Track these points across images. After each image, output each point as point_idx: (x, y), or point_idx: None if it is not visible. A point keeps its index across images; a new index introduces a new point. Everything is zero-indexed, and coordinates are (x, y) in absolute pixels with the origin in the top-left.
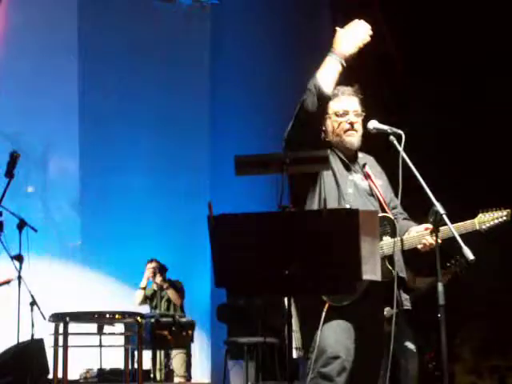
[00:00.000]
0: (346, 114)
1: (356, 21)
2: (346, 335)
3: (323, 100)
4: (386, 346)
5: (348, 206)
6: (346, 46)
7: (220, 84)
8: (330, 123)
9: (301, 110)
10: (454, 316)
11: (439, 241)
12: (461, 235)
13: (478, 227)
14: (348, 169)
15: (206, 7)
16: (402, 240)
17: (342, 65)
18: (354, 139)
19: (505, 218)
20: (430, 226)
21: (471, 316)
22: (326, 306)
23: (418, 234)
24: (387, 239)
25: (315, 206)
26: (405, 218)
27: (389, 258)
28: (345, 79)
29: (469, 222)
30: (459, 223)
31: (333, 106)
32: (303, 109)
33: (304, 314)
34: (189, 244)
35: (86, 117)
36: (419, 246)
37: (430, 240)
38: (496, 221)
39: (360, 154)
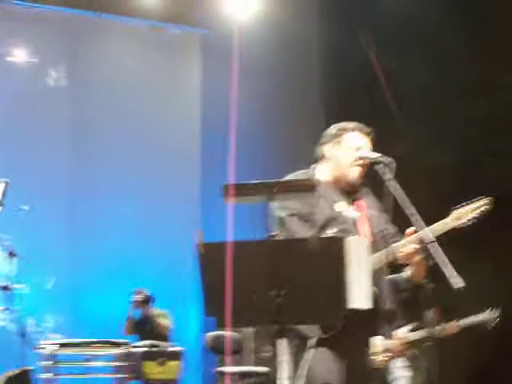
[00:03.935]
0: (358, 150)
1: None
2: (336, 363)
3: None
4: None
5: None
6: None
7: (211, 111)
8: (344, 154)
9: None
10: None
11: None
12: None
13: (452, 225)
14: (339, 201)
15: (195, 36)
16: (385, 253)
17: None
18: (359, 175)
19: (485, 206)
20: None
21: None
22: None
23: (398, 244)
24: None
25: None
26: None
27: None
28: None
29: (441, 222)
30: (433, 225)
31: (350, 139)
32: None
33: (295, 343)
34: (180, 272)
35: (77, 144)
36: (399, 255)
37: (407, 249)
38: (474, 212)
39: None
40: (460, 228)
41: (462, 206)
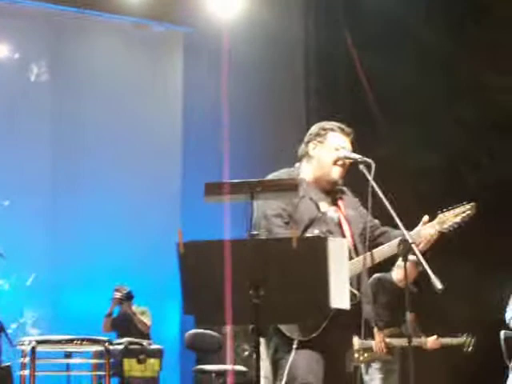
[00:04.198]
0: (339, 150)
1: None
2: (316, 364)
3: None
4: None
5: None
6: None
7: (193, 109)
8: (326, 154)
9: None
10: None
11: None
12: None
13: (438, 228)
14: (321, 201)
15: (179, 34)
16: (371, 254)
17: None
18: (339, 175)
19: (468, 212)
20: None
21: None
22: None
23: (382, 247)
24: None
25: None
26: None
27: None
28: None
29: (428, 225)
30: (420, 228)
31: (332, 139)
32: None
33: (275, 343)
34: (159, 270)
35: (58, 139)
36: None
37: (430, 231)
38: (458, 217)
39: (338, 187)
40: (443, 232)
41: (448, 210)
